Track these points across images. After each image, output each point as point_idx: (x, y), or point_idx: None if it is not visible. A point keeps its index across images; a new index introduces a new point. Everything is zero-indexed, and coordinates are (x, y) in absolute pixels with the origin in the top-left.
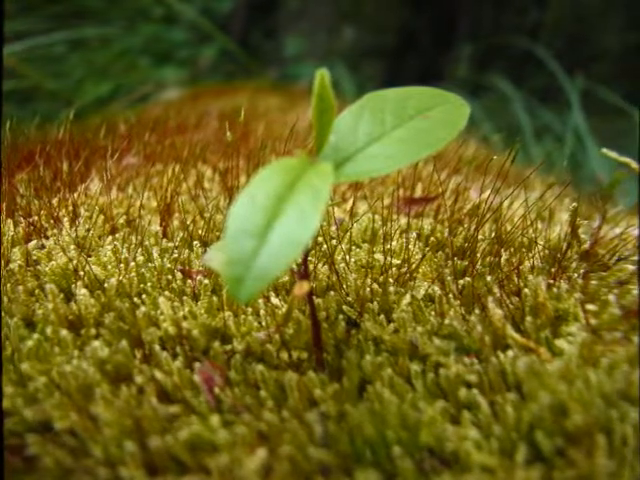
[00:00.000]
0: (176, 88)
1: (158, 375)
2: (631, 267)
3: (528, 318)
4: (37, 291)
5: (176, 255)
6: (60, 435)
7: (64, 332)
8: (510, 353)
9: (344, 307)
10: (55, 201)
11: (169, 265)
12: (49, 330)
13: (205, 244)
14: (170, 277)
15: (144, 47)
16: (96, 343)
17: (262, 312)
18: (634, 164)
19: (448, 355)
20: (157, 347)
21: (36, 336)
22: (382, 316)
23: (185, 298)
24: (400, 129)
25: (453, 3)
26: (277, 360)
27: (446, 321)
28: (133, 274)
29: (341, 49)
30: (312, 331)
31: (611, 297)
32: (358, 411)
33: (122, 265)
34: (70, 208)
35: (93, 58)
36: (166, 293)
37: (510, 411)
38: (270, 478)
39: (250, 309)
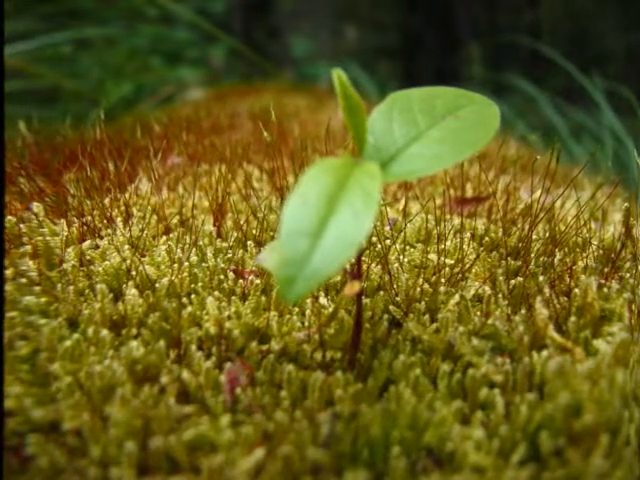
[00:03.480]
0: (199, 88)
1: (185, 375)
2: None
3: (572, 318)
4: (87, 291)
5: (230, 255)
6: (64, 435)
7: (104, 332)
8: (545, 353)
9: (391, 307)
10: (107, 201)
11: (222, 265)
12: (90, 330)
13: (259, 244)
14: (222, 277)
15: (152, 47)
16: (133, 343)
17: (308, 312)
18: None
19: (482, 355)
20: (193, 347)
21: (76, 336)
22: (427, 316)
23: (234, 298)
24: (435, 129)
25: (448, 2)
26: (309, 360)
27: (489, 321)
28: (185, 274)
29: (347, 49)
30: (353, 331)
31: None
32: (372, 411)
33: (175, 265)
34: (122, 208)
35: (104, 58)
36: (215, 293)
37: (523, 411)
38: (259, 478)
39: (297, 309)
